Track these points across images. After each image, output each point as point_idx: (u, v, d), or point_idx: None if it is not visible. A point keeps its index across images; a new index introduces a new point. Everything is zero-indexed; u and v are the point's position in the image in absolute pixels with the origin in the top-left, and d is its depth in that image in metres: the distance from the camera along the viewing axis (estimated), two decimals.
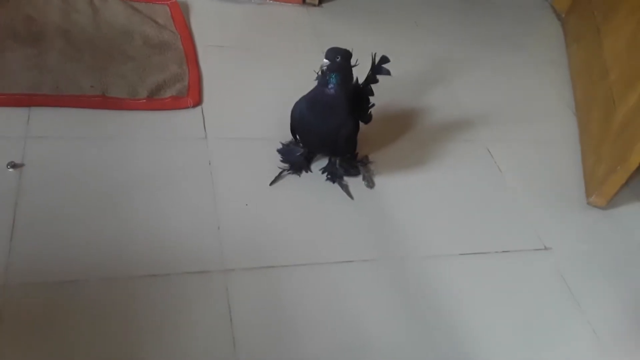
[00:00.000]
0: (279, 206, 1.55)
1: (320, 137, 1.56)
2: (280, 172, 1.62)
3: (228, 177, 1.58)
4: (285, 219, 1.53)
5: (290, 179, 1.63)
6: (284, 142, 1.67)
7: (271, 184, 1.59)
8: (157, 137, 1.64)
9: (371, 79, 1.60)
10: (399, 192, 1.68)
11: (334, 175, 1.64)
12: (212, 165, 1.60)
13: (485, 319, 1.42)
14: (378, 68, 1.59)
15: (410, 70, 2.16)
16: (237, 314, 1.29)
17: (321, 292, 1.39)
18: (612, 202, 1.79)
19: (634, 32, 1.89)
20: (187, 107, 1.74)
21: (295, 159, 1.64)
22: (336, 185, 1.64)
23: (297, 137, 1.62)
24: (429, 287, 1.46)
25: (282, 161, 1.64)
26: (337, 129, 1.51)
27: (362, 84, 1.61)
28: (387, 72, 1.58)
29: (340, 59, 1.43)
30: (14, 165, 1.45)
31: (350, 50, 1.46)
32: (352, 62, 1.47)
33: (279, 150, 1.66)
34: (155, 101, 1.72)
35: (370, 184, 1.66)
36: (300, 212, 1.56)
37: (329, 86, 1.46)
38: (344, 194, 1.63)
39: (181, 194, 1.51)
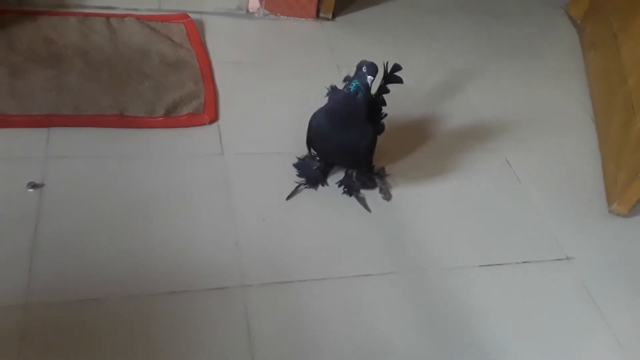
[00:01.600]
0: (296, 221, 1.55)
1: (339, 148, 1.55)
2: (297, 187, 1.62)
3: (245, 193, 1.58)
4: (302, 233, 1.53)
5: (307, 193, 1.63)
6: (300, 156, 1.67)
7: (287, 198, 1.59)
8: (175, 155, 1.65)
9: (384, 88, 1.60)
10: (417, 203, 1.67)
11: (350, 188, 1.64)
12: (229, 181, 1.60)
13: (507, 331, 1.40)
14: (391, 77, 1.58)
15: (425, 81, 2.15)
16: (256, 330, 1.29)
17: (341, 306, 1.38)
18: (634, 210, 1.76)
19: None
20: (204, 124, 1.75)
21: (312, 173, 1.64)
22: (353, 198, 1.63)
23: (314, 150, 1.62)
24: (449, 300, 1.45)
25: (298, 175, 1.64)
26: (357, 139, 1.51)
27: (375, 94, 1.60)
28: (400, 80, 1.57)
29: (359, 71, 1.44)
30: (34, 186, 1.47)
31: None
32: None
33: (295, 165, 1.66)
34: (172, 119, 1.73)
35: (387, 196, 1.65)
36: (317, 226, 1.56)
37: (358, 95, 1.44)
38: (362, 207, 1.62)
39: (199, 210, 1.51)
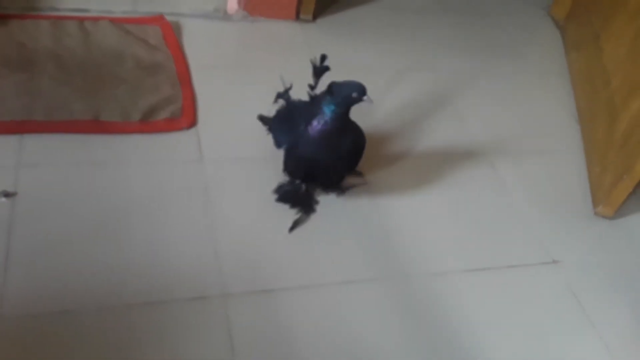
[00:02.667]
0: (277, 227, 1.53)
1: (339, 165, 1.52)
2: (298, 219, 1.55)
3: (225, 199, 1.56)
4: (284, 240, 1.51)
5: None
6: (275, 191, 1.58)
7: (291, 230, 1.53)
8: (152, 161, 1.62)
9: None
10: (400, 208, 1.66)
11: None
12: (208, 188, 1.58)
13: (494, 336, 1.39)
14: (320, 69, 1.51)
15: (409, 84, 2.14)
16: (238, 340, 1.27)
17: (324, 314, 1.37)
18: (619, 212, 1.76)
19: (635, 38, 1.87)
20: (182, 129, 1.72)
21: (304, 201, 1.57)
22: (335, 203, 1.60)
23: (296, 176, 1.55)
24: (434, 306, 1.43)
25: (291, 207, 1.56)
26: (358, 145, 1.51)
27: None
28: (327, 68, 1.51)
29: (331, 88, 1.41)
30: (6, 194, 1.44)
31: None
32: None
33: (280, 198, 1.57)
34: (148, 124, 1.70)
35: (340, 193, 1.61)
36: (299, 233, 1.53)
37: (331, 115, 1.41)
38: (343, 211, 1.59)
39: (178, 218, 1.49)
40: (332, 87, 1.40)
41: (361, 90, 1.39)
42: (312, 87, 1.54)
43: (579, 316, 1.49)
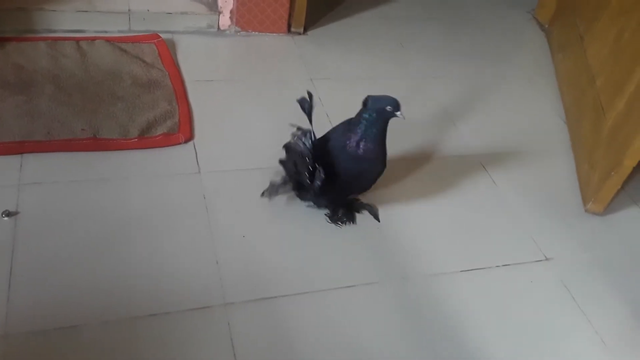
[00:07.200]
0: (276, 235, 1.55)
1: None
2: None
3: (224, 210, 1.58)
4: (283, 247, 1.53)
5: (286, 206, 1.62)
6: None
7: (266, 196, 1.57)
8: (151, 175, 1.64)
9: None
10: (395, 212, 1.68)
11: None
12: (207, 199, 1.60)
13: (491, 334, 1.41)
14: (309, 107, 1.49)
15: (398, 91, 2.11)
16: (241, 348, 1.28)
17: (325, 319, 1.38)
18: (609, 208, 1.79)
19: (617, 38, 1.90)
20: (179, 143, 1.75)
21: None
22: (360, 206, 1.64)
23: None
24: (432, 306, 1.45)
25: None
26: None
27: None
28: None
29: None
30: (8, 214, 1.46)
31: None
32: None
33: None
34: (146, 139, 1.73)
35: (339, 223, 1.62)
36: (298, 240, 1.56)
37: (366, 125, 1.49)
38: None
39: (178, 230, 1.51)
40: (368, 100, 1.45)
41: (395, 105, 1.44)
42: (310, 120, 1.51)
43: (574, 312, 1.50)
